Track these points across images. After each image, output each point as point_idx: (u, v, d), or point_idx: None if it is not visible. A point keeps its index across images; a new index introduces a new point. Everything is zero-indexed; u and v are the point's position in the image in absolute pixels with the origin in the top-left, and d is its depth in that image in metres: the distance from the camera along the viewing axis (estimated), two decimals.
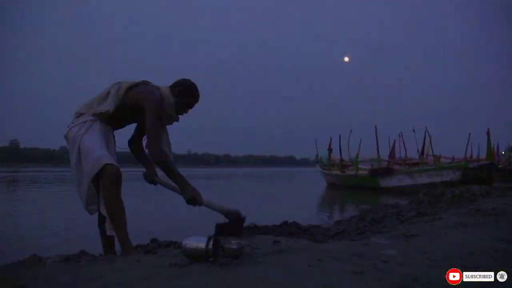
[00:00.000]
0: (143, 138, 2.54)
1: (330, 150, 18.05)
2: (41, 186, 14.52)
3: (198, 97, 2.49)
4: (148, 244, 2.50)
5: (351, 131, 16.60)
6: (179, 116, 2.50)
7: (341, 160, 17.02)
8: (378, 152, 15.25)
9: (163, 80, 2.48)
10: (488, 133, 13.04)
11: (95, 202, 2.31)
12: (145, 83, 2.43)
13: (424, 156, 14.94)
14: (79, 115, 2.36)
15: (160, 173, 2.48)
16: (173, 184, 2.32)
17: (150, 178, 2.60)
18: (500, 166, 16.85)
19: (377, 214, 4.29)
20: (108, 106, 2.30)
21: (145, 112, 2.24)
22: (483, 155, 16.45)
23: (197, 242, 1.61)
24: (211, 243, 1.59)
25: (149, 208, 7.29)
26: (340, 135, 17.05)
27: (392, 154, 17.18)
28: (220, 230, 2.13)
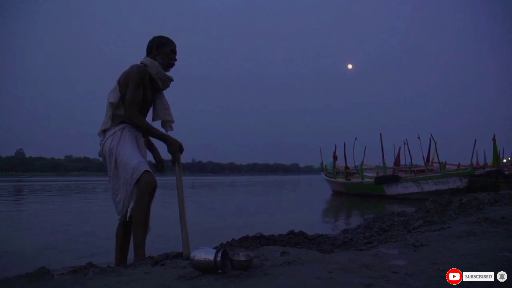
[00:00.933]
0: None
1: (335, 157, 18.01)
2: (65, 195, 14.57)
3: (171, 40, 2.58)
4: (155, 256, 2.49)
5: (356, 138, 16.58)
6: (172, 67, 2.58)
7: (346, 167, 16.97)
8: (383, 159, 15.20)
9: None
10: (494, 140, 12.98)
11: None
12: (129, 68, 2.47)
13: (430, 163, 14.88)
14: (103, 132, 2.44)
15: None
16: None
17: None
18: (506, 172, 16.73)
19: (384, 223, 4.25)
20: (119, 111, 2.39)
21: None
22: (489, 161, 16.37)
23: (206, 254, 1.60)
24: (220, 255, 1.58)
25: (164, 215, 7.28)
26: (345, 142, 17.03)
27: (397, 161, 17.13)
28: None
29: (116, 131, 2.38)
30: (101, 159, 2.48)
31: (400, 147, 17.07)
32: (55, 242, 4.52)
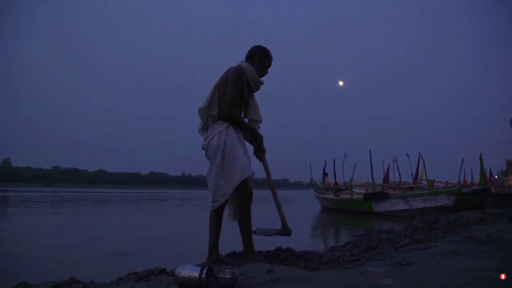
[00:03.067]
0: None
1: (325, 173, 18.05)
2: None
3: (271, 55, 2.95)
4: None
5: (345, 155, 16.68)
6: (262, 77, 2.90)
7: (336, 183, 17.01)
8: (372, 176, 15.29)
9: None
10: (481, 158, 13.14)
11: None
12: (228, 70, 2.80)
13: (418, 180, 14.99)
14: (205, 128, 2.78)
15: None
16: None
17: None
18: (493, 190, 16.90)
19: (372, 241, 4.25)
20: (213, 111, 2.71)
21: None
22: (476, 179, 16.55)
23: (191, 271, 1.59)
24: (205, 272, 1.57)
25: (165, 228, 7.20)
26: (334, 159, 17.11)
27: (386, 178, 17.23)
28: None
29: (222, 130, 2.65)
30: (204, 153, 2.80)
31: (389, 164, 17.22)
32: (36, 255, 4.43)
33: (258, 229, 2.89)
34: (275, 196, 2.84)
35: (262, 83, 2.91)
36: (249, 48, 2.93)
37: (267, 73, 2.92)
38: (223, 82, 2.72)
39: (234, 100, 2.66)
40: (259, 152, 2.81)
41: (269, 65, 2.93)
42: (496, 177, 23.75)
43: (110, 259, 4.21)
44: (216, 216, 2.76)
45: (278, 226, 2.88)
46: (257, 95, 3.00)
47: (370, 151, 15.72)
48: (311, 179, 19.77)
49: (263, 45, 2.94)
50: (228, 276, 1.65)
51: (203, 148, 2.78)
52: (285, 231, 2.82)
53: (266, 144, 2.88)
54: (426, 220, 4.61)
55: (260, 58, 2.85)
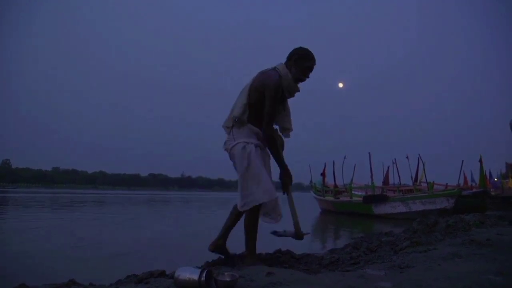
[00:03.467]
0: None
1: (323, 175, 18.02)
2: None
3: (314, 58, 2.67)
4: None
5: (345, 157, 16.69)
6: (302, 82, 2.70)
7: (335, 186, 17.00)
8: (371, 179, 15.28)
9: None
10: (480, 161, 13.15)
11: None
12: (261, 72, 2.64)
13: (418, 182, 14.99)
14: (229, 128, 2.68)
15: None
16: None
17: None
18: (493, 193, 16.91)
19: (371, 243, 4.25)
20: (236, 113, 2.59)
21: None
22: (476, 181, 16.55)
23: (190, 274, 1.59)
24: (204, 275, 1.57)
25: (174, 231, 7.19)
26: (334, 161, 17.11)
27: (386, 181, 17.22)
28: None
29: (248, 143, 2.56)
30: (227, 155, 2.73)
31: (388, 166, 17.21)
32: (35, 257, 4.42)
33: (274, 231, 3.02)
34: (293, 212, 2.86)
35: (298, 91, 2.71)
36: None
37: (307, 78, 2.69)
38: (257, 89, 2.56)
39: (273, 119, 2.58)
40: (286, 189, 2.79)
41: (310, 69, 2.67)
42: (496, 179, 23.77)
43: (110, 260, 4.21)
44: (236, 211, 2.80)
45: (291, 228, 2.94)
46: None
47: (369, 153, 15.73)
48: (311, 181, 19.77)
49: (304, 46, 2.69)
50: (228, 279, 1.65)
51: (225, 149, 2.73)
52: (298, 235, 2.88)
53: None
54: (426, 223, 4.61)
55: (296, 60, 2.61)
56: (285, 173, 2.72)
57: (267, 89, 2.49)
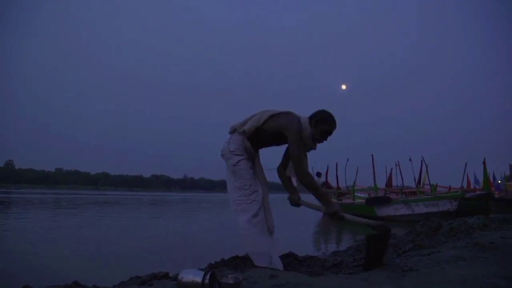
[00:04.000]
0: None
1: (321, 174, 17.94)
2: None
3: (334, 123, 2.74)
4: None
5: (348, 159, 16.64)
6: (319, 143, 2.76)
7: (338, 188, 16.96)
8: (374, 181, 15.24)
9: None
10: (484, 163, 13.10)
11: None
12: (287, 113, 2.74)
13: (421, 185, 14.94)
14: (232, 130, 2.81)
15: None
16: (315, 204, 2.81)
17: (295, 202, 2.95)
18: (496, 195, 16.83)
19: None
20: (247, 127, 2.69)
21: (287, 139, 2.62)
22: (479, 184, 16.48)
23: (194, 276, 1.59)
24: (208, 277, 1.57)
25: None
26: (337, 163, 17.05)
27: (389, 183, 17.17)
28: (371, 241, 2.59)
29: (243, 159, 2.70)
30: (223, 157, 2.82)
31: (391, 168, 17.15)
32: (39, 258, 4.44)
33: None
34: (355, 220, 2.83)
35: (314, 149, 2.78)
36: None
37: (325, 140, 2.75)
38: (274, 127, 2.68)
39: (302, 161, 2.62)
40: (333, 219, 2.72)
41: (328, 133, 2.73)
42: (499, 182, 23.65)
43: (113, 261, 4.22)
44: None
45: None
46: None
47: (372, 155, 15.69)
48: None
49: (328, 110, 2.77)
50: (231, 281, 1.65)
51: (223, 153, 2.81)
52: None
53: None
54: (429, 226, 4.59)
55: (317, 122, 2.67)
56: (329, 209, 2.68)
57: (289, 133, 2.59)
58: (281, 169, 2.94)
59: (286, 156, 2.90)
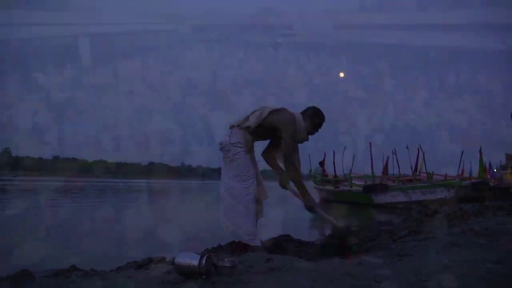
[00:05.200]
0: (276, 151, 3.13)
1: (323, 163, 17.89)
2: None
3: (324, 116, 3.08)
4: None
5: (345, 147, 16.64)
6: (311, 135, 3.07)
7: (335, 175, 16.97)
8: (372, 168, 15.24)
9: None
10: (480, 152, 13.15)
11: None
12: (282, 109, 3.00)
13: (417, 172, 14.97)
14: (232, 126, 2.95)
15: None
16: (298, 193, 3.00)
17: (283, 184, 3.17)
18: (492, 184, 16.90)
19: (370, 232, 4.28)
20: (250, 123, 2.88)
21: (282, 133, 2.87)
22: (475, 172, 16.53)
23: (190, 259, 1.60)
24: (204, 260, 1.58)
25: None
26: (334, 151, 17.03)
27: (385, 171, 17.18)
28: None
29: (242, 150, 2.86)
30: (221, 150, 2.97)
31: (388, 156, 17.12)
32: (38, 243, 4.45)
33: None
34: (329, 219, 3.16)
35: (306, 140, 3.07)
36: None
37: (316, 132, 3.09)
38: (272, 123, 2.90)
39: (294, 153, 2.93)
40: (314, 210, 3.08)
41: (319, 126, 3.08)
42: (495, 170, 23.72)
43: (110, 247, 4.24)
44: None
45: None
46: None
47: (370, 143, 15.66)
48: (310, 170, 19.64)
49: (317, 106, 3.09)
50: (228, 265, 1.66)
51: (221, 146, 2.96)
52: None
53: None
54: (425, 212, 4.62)
55: (310, 116, 3.00)
56: (310, 202, 3.00)
57: (286, 128, 2.86)
58: (267, 154, 3.20)
59: (272, 144, 3.15)
